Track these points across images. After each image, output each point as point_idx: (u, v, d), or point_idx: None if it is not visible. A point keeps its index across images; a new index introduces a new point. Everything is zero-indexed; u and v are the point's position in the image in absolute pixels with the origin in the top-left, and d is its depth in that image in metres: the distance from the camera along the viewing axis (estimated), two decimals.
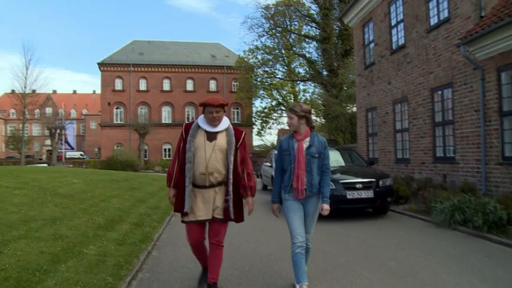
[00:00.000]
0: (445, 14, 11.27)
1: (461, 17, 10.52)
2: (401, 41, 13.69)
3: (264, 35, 39.95)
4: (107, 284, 4.37)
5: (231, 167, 4.06)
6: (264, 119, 44.54)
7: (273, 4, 39.71)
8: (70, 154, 68.28)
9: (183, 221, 4.13)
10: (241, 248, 6.53)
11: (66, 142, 73.90)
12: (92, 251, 5.47)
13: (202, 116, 4.19)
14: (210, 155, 4.02)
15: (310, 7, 37.32)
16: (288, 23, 39.22)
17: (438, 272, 5.15)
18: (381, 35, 15.14)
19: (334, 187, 8.89)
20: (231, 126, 4.21)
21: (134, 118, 47.15)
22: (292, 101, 43.17)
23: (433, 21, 11.85)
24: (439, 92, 11.62)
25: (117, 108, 51.71)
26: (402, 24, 13.61)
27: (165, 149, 51.96)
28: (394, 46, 14.25)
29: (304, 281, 4.27)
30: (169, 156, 49.96)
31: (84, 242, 5.86)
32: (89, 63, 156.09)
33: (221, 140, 4.11)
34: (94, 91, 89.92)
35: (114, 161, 36.17)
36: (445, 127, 11.44)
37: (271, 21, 38.94)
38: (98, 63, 50.91)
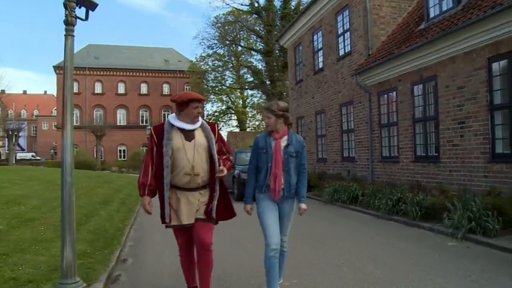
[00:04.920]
0: (348, 48, 14.90)
1: (357, 52, 14.17)
2: (321, 65, 17.27)
3: (213, 47, 43.08)
4: (120, 227, 7.93)
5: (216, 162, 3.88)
6: (215, 122, 47.16)
7: (223, 14, 42.91)
8: (21, 155, 67.59)
9: (167, 227, 3.93)
10: None
11: (17, 143, 73.60)
12: (104, 213, 9.12)
13: (173, 114, 3.95)
14: (193, 155, 3.81)
15: (257, 19, 40.77)
16: (237, 32, 42.45)
17: (316, 226, 8.59)
18: (307, 58, 18.72)
19: None
20: (204, 122, 4.03)
21: (90, 120, 49.10)
22: (240, 105, 46.50)
23: (341, 52, 15.46)
24: (345, 107, 15.25)
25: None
26: (322, 51, 17.20)
27: (120, 150, 53.99)
28: (316, 68, 17.81)
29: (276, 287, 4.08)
30: (124, 158, 51.92)
31: (96, 210, 9.36)
32: (36, 61, 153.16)
33: (199, 137, 3.89)
34: (45, 91, 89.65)
35: None
36: (349, 134, 15.07)
37: (222, 30, 42.03)
38: (54, 66, 52.08)
